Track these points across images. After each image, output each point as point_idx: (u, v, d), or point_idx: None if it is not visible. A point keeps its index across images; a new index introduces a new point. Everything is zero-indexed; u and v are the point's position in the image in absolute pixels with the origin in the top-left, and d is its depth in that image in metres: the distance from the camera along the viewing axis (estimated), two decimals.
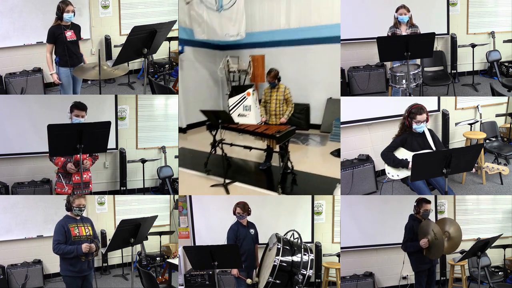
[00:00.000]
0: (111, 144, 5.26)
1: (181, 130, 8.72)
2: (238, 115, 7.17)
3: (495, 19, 6.23)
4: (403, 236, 4.42)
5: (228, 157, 6.21)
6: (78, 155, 3.96)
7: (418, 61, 5.28)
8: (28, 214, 5.78)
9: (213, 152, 5.90)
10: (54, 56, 4.96)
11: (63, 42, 4.82)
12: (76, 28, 4.94)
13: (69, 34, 4.85)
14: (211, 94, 9.54)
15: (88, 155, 4.25)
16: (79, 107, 4.20)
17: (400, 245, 4.48)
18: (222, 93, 9.61)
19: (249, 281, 4.29)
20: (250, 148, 5.90)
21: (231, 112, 7.27)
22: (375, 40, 4.41)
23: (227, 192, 5.37)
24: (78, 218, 4.09)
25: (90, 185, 4.43)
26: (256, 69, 8.81)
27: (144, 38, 4.05)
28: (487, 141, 5.84)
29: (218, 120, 5.44)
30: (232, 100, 7.36)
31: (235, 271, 4.38)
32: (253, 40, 8.82)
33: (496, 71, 6.12)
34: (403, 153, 4.26)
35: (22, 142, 5.58)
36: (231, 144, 6.05)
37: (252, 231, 4.53)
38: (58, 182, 4.28)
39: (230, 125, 5.73)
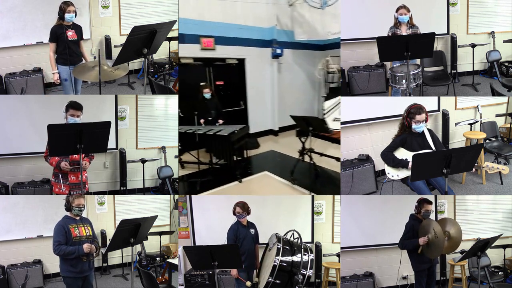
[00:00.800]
0: (111, 144, 5.25)
1: (273, 133, 8.66)
2: (334, 119, 6.67)
3: (495, 19, 6.23)
4: (402, 233, 4.42)
5: (317, 167, 5.68)
6: (74, 155, 3.97)
7: (418, 61, 5.28)
8: (28, 214, 5.78)
9: (301, 160, 5.53)
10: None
11: (64, 41, 4.93)
12: (77, 28, 5.04)
13: (70, 34, 4.96)
14: (306, 97, 9.19)
15: (84, 155, 4.24)
16: (74, 106, 4.20)
17: None
18: (319, 96, 9.13)
19: (248, 283, 4.28)
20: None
21: (325, 116, 6.85)
22: (375, 40, 4.41)
23: None
24: (78, 218, 4.09)
25: (86, 185, 4.42)
26: None
27: (144, 38, 4.05)
28: (487, 141, 5.84)
29: (309, 127, 5.09)
30: (328, 103, 7.00)
31: (234, 272, 4.38)
32: None
33: (496, 71, 6.11)
34: (403, 153, 4.26)
35: (22, 142, 5.57)
36: (321, 154, 5.70)
37: (252, 231, 4.54)
38: (55, 182, 4.28)
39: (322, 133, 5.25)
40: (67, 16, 4.87)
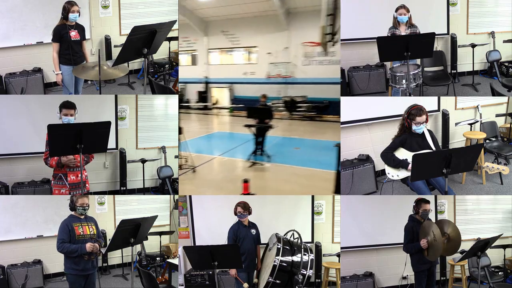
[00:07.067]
0: (111, 144, 5.25)
1: None
2: None
3: (495, 19, 6.23)
4: (404, 237, 4.41)
5: None
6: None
7: (418, 61, 5.28)
8: (28, 214, 5.78)
9: None
10: None
11: (67, 41, 4.93)
12: (80, 28, 5.05)
13: (74, 34, 4.96)
14: None
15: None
16: (67, 106, 4.20)
17: (400, 246, 4.48)
18: None
19: (245, 285, 4.28)
20: None
21: None
22: (375, 40, 4.41)
23: None
24: (83, 217, 4.12)
25: (87, 185, 4.43)
26: None
27: (144, 38, 4.05)
28: (487, 141, 5.84)
29: None
30: None
31: (233, 272, 4.38)
32: None
33: (496, 71, 6.11)
34: (403, 154, 4.25)
35: (22, 142, 5.58)
36: None
37: (253, 231, 4.53)
38: (55, 184, 4.27)
39: None
40: (71, 16, 4.87)
